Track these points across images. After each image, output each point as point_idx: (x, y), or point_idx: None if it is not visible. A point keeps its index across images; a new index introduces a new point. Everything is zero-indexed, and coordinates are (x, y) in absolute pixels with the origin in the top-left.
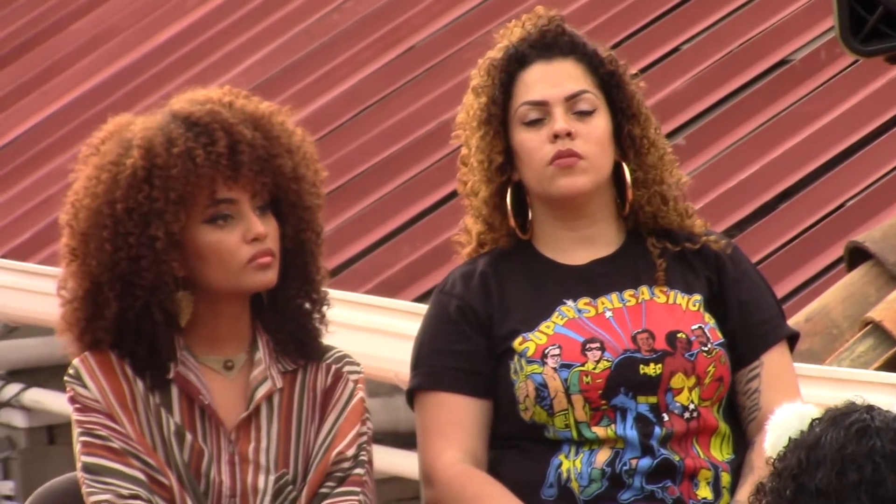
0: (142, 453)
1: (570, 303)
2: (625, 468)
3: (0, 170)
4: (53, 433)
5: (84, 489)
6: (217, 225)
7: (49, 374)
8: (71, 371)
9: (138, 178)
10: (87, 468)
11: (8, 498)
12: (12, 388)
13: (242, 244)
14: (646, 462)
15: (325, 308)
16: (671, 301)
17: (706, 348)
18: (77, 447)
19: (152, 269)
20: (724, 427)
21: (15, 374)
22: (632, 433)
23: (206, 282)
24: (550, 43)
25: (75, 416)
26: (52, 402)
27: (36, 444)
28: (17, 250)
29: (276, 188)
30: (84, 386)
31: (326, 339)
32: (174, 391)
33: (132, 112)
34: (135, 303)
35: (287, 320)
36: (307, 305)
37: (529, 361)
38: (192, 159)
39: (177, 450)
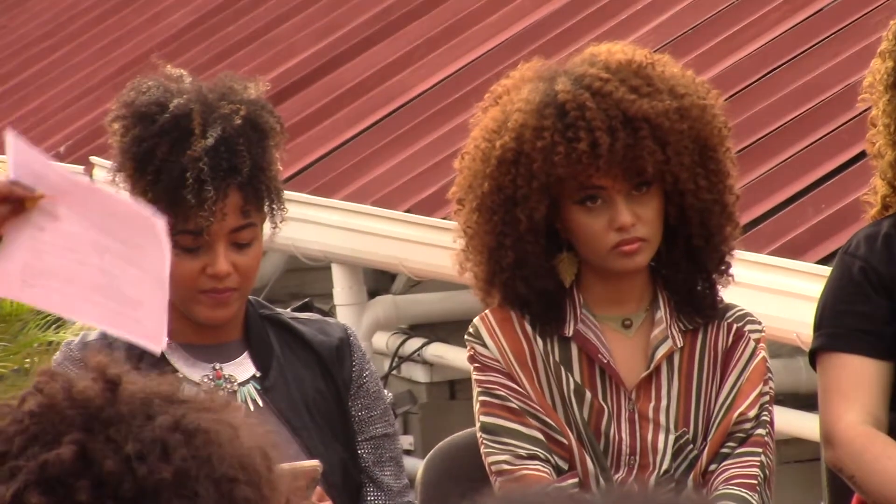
0: (540, 413)
1: None
2: None
3: (407, 124)
4: (455, 388)
5: (482, 449)
6: (586, 207)
7: (451, 328)
8: (471, 329)
9: (506, 160)
10: (486, 428)
11: (408, 452)
12: (414, 343)
13: (609, 230)
14: None
15: (724, 266)
16: None
17: None
18: (476, 406)
19: (515, 248)
20: None
21: (417, 329)
22: None
23: (581, 253)
24: None
25: (475, 376)
26: (454, 357)
27: (437, 399)
28: (422, 204)
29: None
30: (483, 345)
31: (728, 298)
32: (574, 349)
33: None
34: (503, 273)
35: (686, 279)
36: (708, 264)
37: None
38: (554, 154)
39: (576, 408)
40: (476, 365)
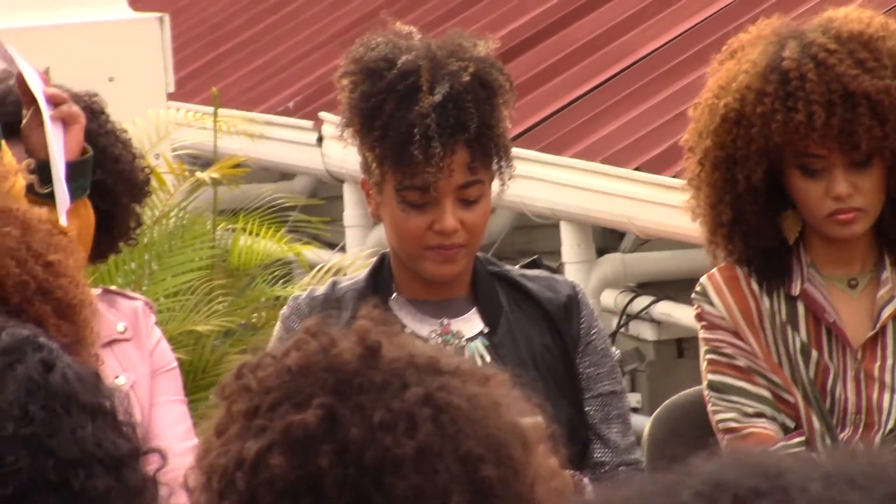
0: (767, 371)
1: None
2: None
3: (637, 82)
4: (682, 346)
5: (709, 407)
6: (805, 173)
7: (679, 287)
8: (698, 288)
9: (729, 120)
10: (713, 386)
11: (634, 410)
12: (642, 301)
13: (826, 198)
14: None
15: None
16: None
17: None
18: (703, 365)
19: (733, 206)
20: None
21: (645, 287)
22: None
23: (801, 214)
24: None
25: (702, 334)
26: (682, 315)
27: (664, 357)
28: (650, 163)
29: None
30: (710, 303)
31: None
32: (800, 308)
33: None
34: (722, 228)
35: None
36: None
37: None
38: (772, 121)
39: (802, 367)
40: (703, 323)
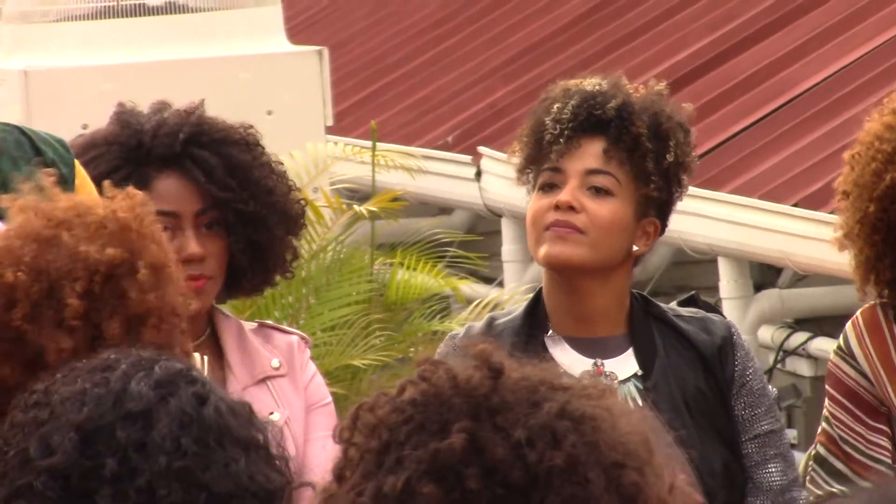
0: (875, 452)
1: None
2: None
3: (796, 117)
4: None
5: (807, 473)
6: None
7: (836, 323)
8: (841, 340)
9: (895, 191)
10: (817, 459)
11: (791, 446)
12: (799, 337)
13: None
14: None
15: None
16: None
17: None
18: (820, 425)
19: (893, 267)
20: None
21: (802, 323)
22: None
23: None
24: None
25: (826, 399)
26: None
27: (820, 394)
28: (809, 199)
29: None
30: (849, 355)
31: None
32: None
33: None
34: (878, 285)
35: None
36: None
37: None
38: None
39: None
40: (828, 389)
